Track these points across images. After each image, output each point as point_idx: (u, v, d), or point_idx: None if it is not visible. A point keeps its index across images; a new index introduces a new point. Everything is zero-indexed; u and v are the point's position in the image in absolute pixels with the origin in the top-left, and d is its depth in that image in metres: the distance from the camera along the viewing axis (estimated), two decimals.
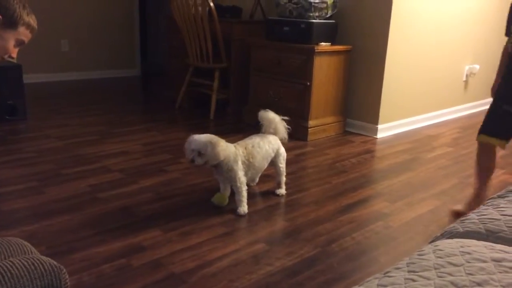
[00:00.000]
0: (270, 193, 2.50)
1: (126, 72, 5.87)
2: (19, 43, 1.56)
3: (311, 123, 3.47)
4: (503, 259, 0.86)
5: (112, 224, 2.05)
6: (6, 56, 1.54)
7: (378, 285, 0.83)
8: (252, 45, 3.79)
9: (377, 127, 3.64)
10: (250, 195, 2.45)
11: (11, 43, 1.54)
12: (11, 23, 1.50)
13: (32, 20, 1.56)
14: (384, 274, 0.88)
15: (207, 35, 3.81)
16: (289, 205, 2.38)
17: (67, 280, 1.16)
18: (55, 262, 1.16)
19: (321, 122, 3.54)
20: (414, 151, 3.34)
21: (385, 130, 3.70)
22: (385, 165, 3.05)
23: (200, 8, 3.74)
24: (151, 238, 1.97)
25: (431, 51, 3.89)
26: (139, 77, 5.87)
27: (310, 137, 3.47)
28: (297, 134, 3.48)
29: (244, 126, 3.78)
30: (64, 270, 1.16)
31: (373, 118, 3.65)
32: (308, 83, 3.39)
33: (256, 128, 3.71)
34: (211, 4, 3.71)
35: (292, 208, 2.34)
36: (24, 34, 1.55)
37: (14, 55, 1.55)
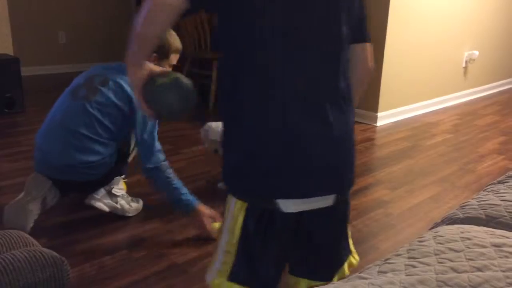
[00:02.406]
0: None
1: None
2: (171, 66, 2.00)
3: None
4: (503, 244, 0.87)
5: (113, 216, 2.05)
6: None
7: (378, 271, 0.83)
8: None
9: (376, 115, 3.63)
10: None
11: (166, 69, 1.95)
12: (164, 54, 1.93)
13: (177, 43, 1.98)
14: (385, 261, 0.88)
15: (205, 25, 3.78)
16: None
17: (69, 272, 1.17)
18: (56, 254, 1.16)
19: None
20: (414, 138, 3.34)
21: (384, 117, 3.69)
22: (385, 153, 3.05)
23: None
24: (152, 229, 1.97)
25: (430, 37, 3.87)
26: None
27: None
28: None
29: None
30: (66, 262, 1.17)
31: (373, 106, 3.64)
32: None
33: None
34: None
35: None
36: (174, 58, 1.99)
37: None
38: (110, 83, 1.90)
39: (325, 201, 1.02)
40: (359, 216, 2.16)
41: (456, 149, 3.14)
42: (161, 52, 1.93)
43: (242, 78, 0.97)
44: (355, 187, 2.47)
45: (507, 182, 1.29)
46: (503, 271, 0.78)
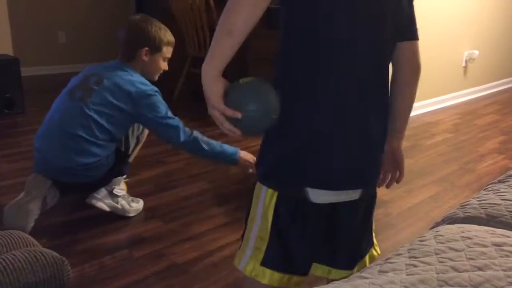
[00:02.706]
0: None
1: None
2: (166, 59, 2.03)
3: None
4: (504, 244, 0.87)
5: (113, 216, 2.05)
6: (160, 73, 2.07)
7: (379, 271, 0.83)
8: (251, 35, 3.75)
9: None
10: (250, 185, 2.45)
11: (161, 62, 2.02)
12: (156, 48, 1.97)
13: (169, 36, 2.02)
14: (385, 260, 0.88)
15: (205, 25, 3.78)
16: None
17: (69, 272, 1.17)
18: (57, 254, 1.17)
19: None
20: (413, 138, 3.34)
21: None
22: None
23: None
24: (152, 229, 1.97)
25: (431, 37, 3.87)
26: None
27: None
28: None
29: None
30: (66, 262, 1.17)
31: None
32: None
33: None
34: None
35: None
36: (167, 51, 2.02)
37: (166, 68, 2.07)
38: (105, 82, 1.87)
39: (353, 194, 1.05)
40: None
41: (456, 148, 3.14)
42: (153, 46, 1.94)
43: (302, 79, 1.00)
44: None
45: (508, 181, 1.29)
46: (504, 270, 0.78)
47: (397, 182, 1.21)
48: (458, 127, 3.66)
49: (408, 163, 2.85)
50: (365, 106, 0.99)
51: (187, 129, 1.95)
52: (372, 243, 1.20)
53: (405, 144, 3.20)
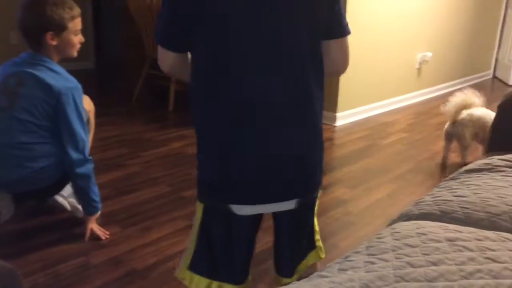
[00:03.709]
0: None
1: (79, 65, 5.68)
2: (78, 32, 1.83)
3: None
4: (457, 239, 0.89)
5: (68, 223, 1.98)
6: (78, 47, 1.85)
7: (339, 269, 0.84)
8: None
9: (335, 115, 3.69)
10: None
11: (73, 38, 1.81)
12: (61, 28, 1.77)
13: (71, 11, 1.80)
14: (345, 258, 0.89)
15: None
16: None
17: (21, 283, 1.11)
18: (7, 264, 1.11)
19: None
20: (371, 138, 3.42)
21: (343, 118, 3.76)
22: (344, 152, 3.11)
23: None
24: (110, 235, 1.92)
25: (386, 40, 3.98)
26: (93, 70, 5.69)
27: None
28: None
29: None
30: (18, 272, 1.11)
31: (332, 106, 3.70)
32: None
33: None
34: None
35: None
36: (74, 25, 1.81)
37: (82, 39, 1.85)
38: (27, 81, 1.73)
39: (282, 205, 1.07)
40: (319, 215, 2.18)
41: (411, 147, 3.24)
42: (55, 27, 1.74)
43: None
44: None
45: (459, 178, 1.34)
46: (457, 265, 0.80)
47: None
48: (413, 126, 3.78)
49: (367, 162, 2.91)
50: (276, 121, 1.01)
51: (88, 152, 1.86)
52: (313, 247, 1.23)
53: (363, 143, 3.27)
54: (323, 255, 1.23)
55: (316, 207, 1.21)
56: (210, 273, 1.11)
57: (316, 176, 1.11)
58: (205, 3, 0.95)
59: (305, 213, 1.17)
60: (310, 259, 1.23)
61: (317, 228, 1.25)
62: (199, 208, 1.11)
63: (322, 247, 1.24)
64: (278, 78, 0.99)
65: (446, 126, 2.88)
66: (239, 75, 0.98)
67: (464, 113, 2.74)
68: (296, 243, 1.17)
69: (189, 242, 1.14)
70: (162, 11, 1.00)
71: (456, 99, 2.78)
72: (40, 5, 1.72)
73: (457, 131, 2.76)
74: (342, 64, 1.16)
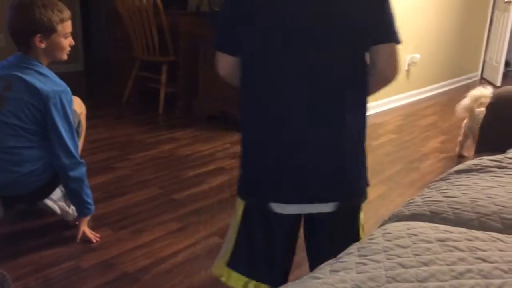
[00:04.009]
0: (225, 186, 2.49)
1: (68, 67, 5.64)
2: (68, 35, 1.80)
3: None
4: (447, 239, 0.90)
5: (58, 226, 1.97)
6: (68, 50, 1.82)
7: (330, 270, 0.85)
8: (200, 37, 3.74)
9: None
10: (204, 189, 2.43)
11: (62, 41, 1.78)
12: (50, 30, 1.73)
13: (59, 13, 1.76)
14: (337, 259, 0.90)
15: (153, 27, 3.72)
16: None
17: (11, 287, 1.10)
18: None
19: None
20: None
21: None
22: None
23: (144, 0, 3.64)
24: (101, 238, 1.91)
25: None
26: (82, 72, 5.65)
27: None
28: None
29: (194, 119, 3.73)
30: (7, 276, 1.10)
31: None
32: None
33: (207, 121, 3.68)
34: None
35: None
36: (64, 27, 1.77)
37: (72, 42, 1.83)
38: (15, 85, 1.70)
39: (322, 207, 1.07)
40: None
41: (400, 148, 3.26)
42: (44, 30, 1.71)
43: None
44: None
45: (449, 179, 1.36)
46: (448, 265, 0.81)
47: None
48: (402, 128, 3.80)
49: None
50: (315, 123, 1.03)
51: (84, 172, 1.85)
52: None
53: None
54: None
55: (360, 220, 1.21)
56: (249, 271, 1.12)
57: (356, 184, 1.12)
58: (243, 4, 1.03)
59: (345, 221, 1.16)
60: None
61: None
62: (239, 205, 1.13)
63: None
64: (317, 84, 1.01)
65: (465, 121, 2.91)
66: (279, 78, 1.02)
67: (481, 109, 2.72)
68: (335, 250, 1.07)
69: (228, 239, 1.15)
70: (219, 17, 1.10)
71: (474, 93, 2.81)
72: (29, 7, 1.69)
73: (474, 127, 2.75)
74: (390, 73, 1.13)
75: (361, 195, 1.14)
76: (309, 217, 1.12)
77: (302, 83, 1.00)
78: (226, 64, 1.13)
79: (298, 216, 1.11)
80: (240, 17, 1.03)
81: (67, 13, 1.78)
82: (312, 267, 1.13)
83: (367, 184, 1.16)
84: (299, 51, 0.99)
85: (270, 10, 0.99)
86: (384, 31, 1.05)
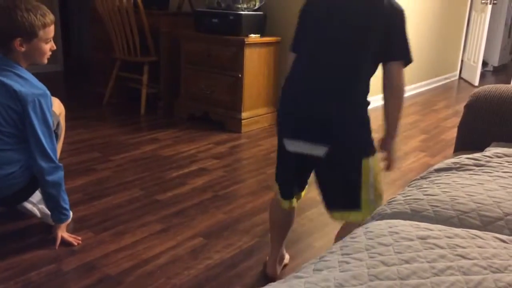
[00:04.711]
0: (207, 187, 2.48)
1: (46, 68, 5.55)
2: (49, 40, 1.77)
3: (244, 115, 3.48)
4: (428, 236, 0.92)
5: (39, 229, 1.94)
6: (48, 54, 1.79)
7: (314, 270, 0.85)
8: (182, 38, 3.72)
9: None
10: (186, 190, 2.42)
11: (43, 46, 1.75)
12: (31, 35, 1.70)
13: (42, 18, 1.72)
14: (320, 258, 0.90)
15: (134, 28, 3.69)
16: (225, 198, 2.37)
17: None
18: None
19: (254, 114, 3.57)
20: None
21: None
22: None
23: (124, 0, 3.60)
24: (82, 241, 1.88)
25: None
26: (61, 73, 5.57)
27: (243, 129, 3.48)
28: (230, 126, 3.48)
29: (176, 120, 3.71)
30: None
31: None
32: (240, 75, 3.39)
33: (189, 121, 3.66)
34: None
35: (229, 201, 2.34)
36: (46, 33, 1.74)
37: (53, 47, 1.80)
38: None
39: (316, 150, 1.43)
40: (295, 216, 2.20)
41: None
42: (25, 34, 1.69)
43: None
44: None
45: (429, 177, 1.38)
46: (429, 262, 0.82)
47: (387, 169, 1.58)
48: (383, 127, 3.84)
49: None
50: (327, 90, 1.42)
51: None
52: (355, 206, 1.48)
53: None
54: (362, 218, 1.44)
55: (367, 166, 1.48)
56: (280, 181, 1.62)
57: (350, 136, 1.45)
58: (305, 26, 1.53)
59: (342, 167, 1.46)
60: (350, 216, 1.50)
61: (370, 195, 1.49)
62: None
63: (369, 212, 1.42)
64: (336, 64, 1.43)
65: None
66: (316, 63, 1.45)
67: None
68: (328, 190, 1.54)
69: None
70: (295, 32, 1.58)
71: None
72: (11, 10, 1.67)
73: None
74: (402, 83, 1.55)
75: (356, 145, 1.48)
76: (311, 160, 1.46)
77: (328, 67, 1.42)
78: (290, 59, 1.54)
79: (302, 156, 1.47)
80: (303, 32, 1.53)
81: (50, 18, 1.75)
82: (324, 203, 1.56)
83: (371, 140, 1.53)
84: (332, 49, 1.42)
85: (319, 30, 1.45)
86: (398, 51, 1.44)
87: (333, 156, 1.42)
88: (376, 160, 1.51)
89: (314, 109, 1.42)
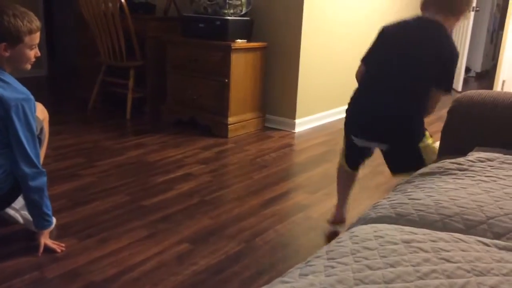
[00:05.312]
0: (193, 192, 2.47)
1: (31, 72, 5.48)
2: (34, 46, 1.75)
3: (230, 120, 3.48)
4: (412, 240, 0.93)
5: (21, 236, 1.91)
6: (32, 61, 1.77)
7: (300, 274, 0.85)
8: (168, 42, 3.71)
9: (295, 122, 3.74)
10: (172, 195, 2.41)
11: (27, 52, 1.73)
12: (16, 40, 1.68)
13: (29, 24, 1.71)
14: (306, 263, 0.90)
15: (119, 32, 3.67)
16: (212, 203, 2.37)
17: None
18: None
19: (240, 119, 3.57)
20: (330, 143, 3.48)
21: (302, 124, 3.81)
22: (303, 158, 3.15)
23: (110, 4, 3.59)
24: (66, 248, 1.86)
25: (343, 46, 4.08)
26: (46, 78, 5.51)
27: (230, 134, 3.48)
28: (217, 131, 3.48)
29: (163, 125, 3.70)
30: None
31: (291, 113, 3.74)
32: (226, 80, 3.39)
33: (175, 126, 3.65)
34: None
35: (215, 206, 2.34)
36: (31, 39, 1.73)
37: (38, 53, 1.78)
38: None
39: (380, 146, 1.92)
40: (281, 221, 2.20)
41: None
42: (10, 39, 1.68)
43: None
44: (276, 193, 2.53)
45: (413, 182, 1.39)
46: (413, 266, 0.83)
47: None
48: None
49: (326, 167, 2.96)
50: (386, 97, 1.82)
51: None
52: (412, 169, 1.70)
53: (323, 149, 3.33)
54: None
55: (424, 146, 1.86)
56: (346, 159, 2.09)
57: (405, 135, 1.85)
58: (381, 46, 1.92)
59: (401, 152, 1.88)
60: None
61: (432, 157, 1.86)
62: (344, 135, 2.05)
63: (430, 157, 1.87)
64: (401, 86, 1.82)
65: None
66: (382, 78, 1.87)
67: None
68: (394, 165, 1.96)
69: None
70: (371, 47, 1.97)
71: None
72: None
73: None
74: (431, 110, 1.91)
75: (412, 139, 1.85)
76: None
77: (393, 82, 1.81)
78: (361, 69, 1.98)
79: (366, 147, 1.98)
80: (378, 50, 1.91)
81: (36, 24, 1.74)
82: (391, 172, 2.00)
83: (423, 131, 1.87)
84: (395, 72, 1.82)
85: (390, 51, 1.86)
86: (443, 82, 1.82)
87: (394, 148, 1.88)
88: (427, 137, 1.88)
89: (380, 117, 1.85)
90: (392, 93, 1.79)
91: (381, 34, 1.90)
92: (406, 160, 1.89)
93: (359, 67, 1.98)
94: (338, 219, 2.15)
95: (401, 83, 1.78)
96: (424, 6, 1.87)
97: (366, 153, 2.05)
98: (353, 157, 2.06)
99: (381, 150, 1.95)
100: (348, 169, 2.10)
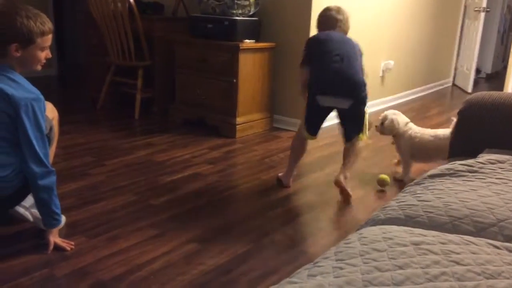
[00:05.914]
0: (201, 192, 2.47)
1: (41, 72, 5.52)
2: (45, 48, 1.77)
3: (238, 120, 3.48)
4: (422, 242, 0.92)
5: (31, 234, 1.92)
6: (43, 62, 1.80)
7: (308, 275, 0.85)
8: (176, 43, 3.72)
9: None
10: (180, 195, 2.41)
11: (38, 53, 1.75)
12: (28, 41, 1.70)
13: (42, 25, 1.73)
14: (314, 264, 0.90)
15: (128, 32, 3.68)
16: (220, 203, 2.37)
17: None
18: None
19: (248, 119, 3.57)
20: (338, 144, 3.46)
21: None
22: (311, 159, 3.14)
23: (119, 4, 3.60)
24: (75, 246, 1.87)
25: None
26: (56, 77, 5.56)
27: (238, 134, 3.48)
28: (225, 132, 3.48)
29: (171, 125, 3.71)
30: None
31: (299, 113, 3.73)
32: (234, 80, 3.40)
33: (184, 126, 3.66)
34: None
35: (223, 206, 2.34)
36: (43, 41, 1.75)
37: (49, 55, 1.81)
38: None
39: (342, 104, 2.36)
40: (289, 221, 2.20)
41: (376, 154, 3.31)
42: (22, 40, 1.69)
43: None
44: (283, 193, 2.52)
45: (423, 183, 1.38)
46: (422, 268, 0.82)
47: None
48: (377, 133, 3.85)
49: (334, 168, 2.95)
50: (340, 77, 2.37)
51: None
52: (359, 132, 2.47)
53: (330, 150, 3.32)
54: (364, 138, 2.50)
55: (366, 119, 2.47)
56: (306, 125, 2.51)
57: (360, 95, 2.38)
58: (314, 49, 2.48)
59: (356, 109, 2.39)
60: (358, 137, 2.46)
61: (366, 123, 2.49)
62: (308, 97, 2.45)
63: (366, 134, 2.51)
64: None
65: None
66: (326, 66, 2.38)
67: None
68: (348, 127, 2.47)
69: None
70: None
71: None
72: (11, 16, 1.67)
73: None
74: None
75: (363, 101, 2.41)
76: (338, 110, 2.42)
77: (336, 67, 2.36)
78: (305, 73, 2.44)
79: (329, 108, 2.42)
80: (312, 53, 2.46)
81: (48, 27, 1.76)
82: (344, 133, 2.51)
83: (366, 97, 2.41)
84: (336, 59, 2.36)
85: (325, 49, 2.39)
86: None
87: (353, 104, 2.37)
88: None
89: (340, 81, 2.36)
90: (344, 62, 2.34)
91: (311, 41, 2.53)
92: (359, 121, 2.43)
93: (301, 72, 2.47)
94: (286, 182, 2.61)
95: (345, 59, 2.36)
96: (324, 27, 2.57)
97: (325, 116, 2.48)
98: (315, 122, 2.49)
99: (340, 115, 2.44)
100: (309, 136, 2.52)
